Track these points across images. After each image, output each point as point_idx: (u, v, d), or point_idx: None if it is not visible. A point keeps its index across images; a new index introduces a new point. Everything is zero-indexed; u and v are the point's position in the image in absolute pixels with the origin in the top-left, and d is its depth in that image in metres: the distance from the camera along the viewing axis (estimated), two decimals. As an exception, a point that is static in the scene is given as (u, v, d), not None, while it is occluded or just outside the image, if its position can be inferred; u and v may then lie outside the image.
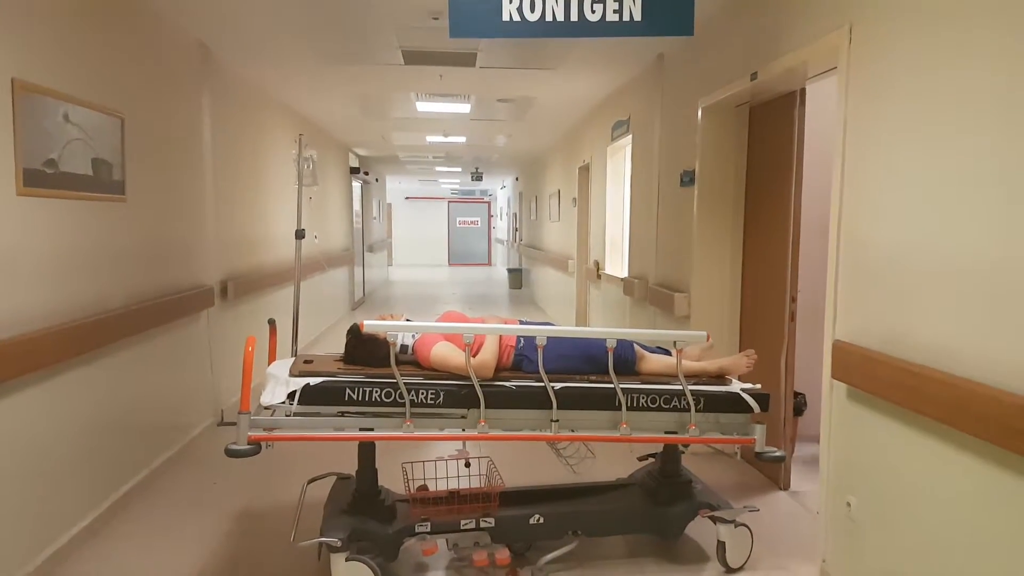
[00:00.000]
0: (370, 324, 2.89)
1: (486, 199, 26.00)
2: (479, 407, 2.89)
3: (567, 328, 3.20)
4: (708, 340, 3.07)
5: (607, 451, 3.30)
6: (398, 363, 2.86)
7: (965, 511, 2.27)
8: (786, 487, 4.12)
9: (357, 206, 13.16)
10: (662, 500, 3.30)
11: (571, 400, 2.97)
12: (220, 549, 3.39)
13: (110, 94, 3.75)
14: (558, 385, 2.96)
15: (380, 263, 17.74)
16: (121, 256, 3.87)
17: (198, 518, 3.72)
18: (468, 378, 2.88)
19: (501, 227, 23.61)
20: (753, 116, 4.55)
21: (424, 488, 3.27)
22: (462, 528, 3.05)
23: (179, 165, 4.76)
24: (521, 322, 3.35)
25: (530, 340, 3.08)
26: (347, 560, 2.84)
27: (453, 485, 3.26)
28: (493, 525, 3.06)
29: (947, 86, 2.35)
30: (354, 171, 12.54)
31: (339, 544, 2.82)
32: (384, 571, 2.93)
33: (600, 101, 7.59)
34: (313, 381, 2.86)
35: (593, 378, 3.07)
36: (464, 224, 26.21)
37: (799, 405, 4.45)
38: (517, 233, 18.01)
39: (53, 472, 3.21)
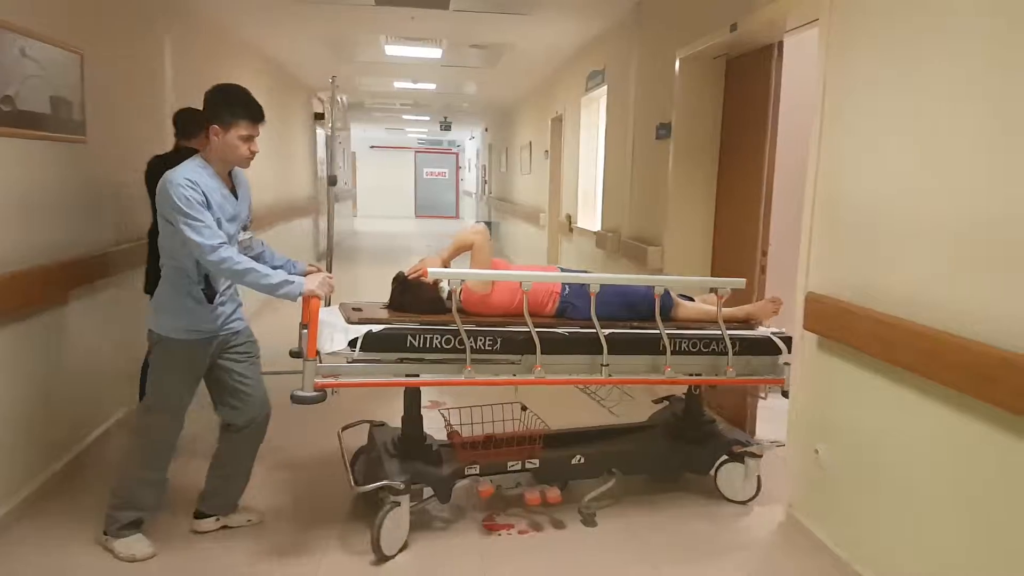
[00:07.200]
0: (434, 271, 2.96)
1: (454, 150, 25.67)
2: (534, 353, 2.94)
3: (616, 276, 3.28)
4: (744, 286, 3.19)
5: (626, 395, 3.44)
6: (446, 311, 2.93)
7: (934, 458, 2.35)
8: (751, 434, 4.20)
9: (321, 154, 12.87)
10: (692, 439, 3.46)
11: (618, 346, 3.05)
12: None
13: (68, 28, 3.56)
14: (607, 331, 3.02)
15: (346, 213, 17.48)
16: (84, 201, 3.73)
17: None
18: (524, 324, 2.93)
19: (469, 179, 23.37)
20: (730, 69, 4.52)
21: (456, 433, 3.29)
22: (508, 470, 3.14)
23: (140, 106, 4.57)
24: (561, 270, 3.47)
25: (574, 287, 3.17)
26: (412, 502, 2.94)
27: (488, 430, 3.30)
28: (538, 466, 3.17)
29: (927, 40, 2.35)
30: (318, 117, 12.22)
31: (402, 487, 2.87)
32: None
33: (575, 50, 7.48)
34: (375, 328, 2.86)
35: (635, 324, 3.17)
36: (431, 175, 25.87)
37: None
38: (486, 186, 17.86)
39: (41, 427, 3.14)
